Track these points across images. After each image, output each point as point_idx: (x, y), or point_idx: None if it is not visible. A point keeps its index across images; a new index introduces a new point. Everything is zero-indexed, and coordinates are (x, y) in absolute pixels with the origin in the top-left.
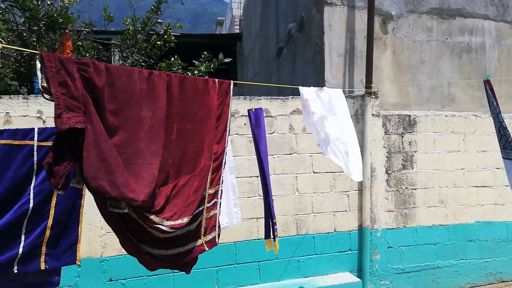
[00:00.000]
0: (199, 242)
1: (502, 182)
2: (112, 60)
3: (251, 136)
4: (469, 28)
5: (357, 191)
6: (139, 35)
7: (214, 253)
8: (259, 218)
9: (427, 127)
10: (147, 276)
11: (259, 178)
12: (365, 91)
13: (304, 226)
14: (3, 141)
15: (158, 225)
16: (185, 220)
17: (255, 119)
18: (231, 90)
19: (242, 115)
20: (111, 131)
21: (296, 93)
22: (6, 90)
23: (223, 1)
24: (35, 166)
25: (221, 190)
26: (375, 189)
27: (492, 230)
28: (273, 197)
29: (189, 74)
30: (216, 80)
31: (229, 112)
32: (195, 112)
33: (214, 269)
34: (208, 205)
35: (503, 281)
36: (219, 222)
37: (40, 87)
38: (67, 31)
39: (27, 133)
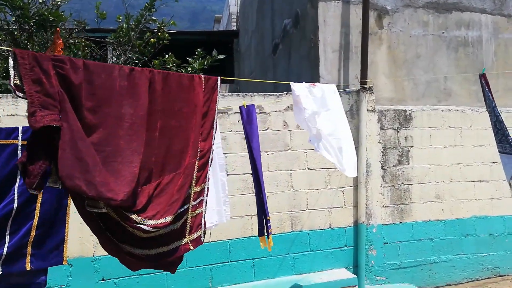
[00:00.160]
0: (184, 241)
1: (499, 176)
2: (107, 58)
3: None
4: (465, 22)
5: (352, 187)
6: (133, 33)
7: (208, 251)
8: (253, 215)
9: (423, 122)
10: (140, 275)
11: None
12: (360, 86)
13: (299, 222)
14: None
15: (139, 225)
16: (168, 219)
17: (247, 115)
18: (219, 87)
19: (235, 112)
20: (89, 129)
21: (291, 89)
22: None
23: None
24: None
25: (207, 188)
26: (371, 184)
27: (489, 225)
28: (268, 194)
29: (183, 71)
30: (202, 76)
31: (216, 109)
32: (180, 108)
33: (208, 267)
34: (194, 203)
35: (500, 276)
36: (205, 221)
37: (12, 84)
38: (58, 29)
39: (11, 132)
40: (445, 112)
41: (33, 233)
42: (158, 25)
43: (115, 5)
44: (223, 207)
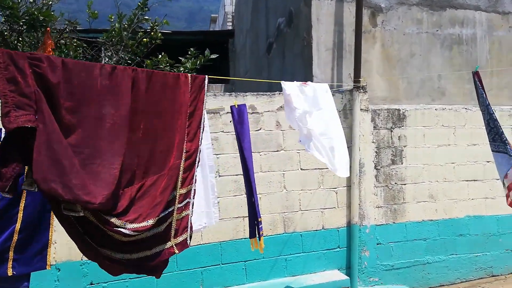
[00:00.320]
0: (169, 244)
1: (492, 175)
2: (99, 58)
3: None
4: (459, 19)
5: (345, 187)
6: (125, 33)
7: (199, 253)
8: (245, 217)
9: (416, 121)
10: (130, 278)
11: None
12: (354, 85)
13: (292, 224)
14: None
15: (119, 228)
16: (150, 222)
17: (238, 115)
18: (206, 86)
19: (227, 112)
20: (67, 130)
21: None
22: None
23: None
24: None
25: (194, 189)
26: (364, 185)
27: (483, 225)
28: (260, 195)
29: (175, 71)
30: (189, 75)
31: (204, 108)
32: (165, 108)
33: (199, 269)
34: (179, 205)
35: (493, 276)
36: (191, 223)
37: None
38: (48, 29)
39: None
40: (439, 111)
41: (15, 237)
42: (151, 25)
43: (112, 5)
44: (212, 208)
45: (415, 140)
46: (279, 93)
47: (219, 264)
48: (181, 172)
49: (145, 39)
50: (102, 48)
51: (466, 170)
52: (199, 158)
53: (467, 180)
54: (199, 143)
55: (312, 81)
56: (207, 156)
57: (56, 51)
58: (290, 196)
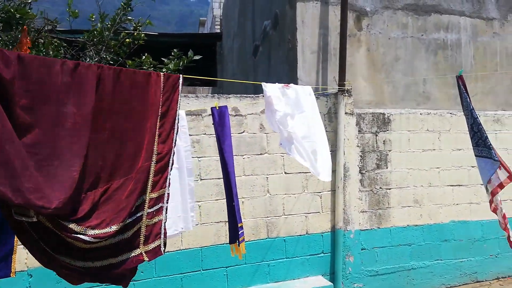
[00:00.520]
0: (137, 251)
1: (477, 180)
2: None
3: None
4: (444, 24)
5: (330, 192)
6: (107, 33)
7: (179, 259)
8: (227, 221)
9: (401, 125)
10: (106, 285)
11: None
12: (338, 89)
13: (275, 228)
14: None
15: (79, 235)
16: (114, 228)
17: (219, 117)
18: (180, 85)
19: (209, 114)
20: (22, 129)
21: None
22: None
23: (208, 2)
24: None
25: (168, 193)
26: (349, 189)
27: (467, 230)
28: (243, 199)
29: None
30: (161, 73)
31: (178, 109)
32: (133, 108)
33: (179, 276)
34: (150, 210)
35: (478, 281)
36: (165, 229)
37: None
38: (25, 27)
39: None
40: (424, 116)
41: None
42: (134, 25)
43: (101, 5)
44: (190, 213)
45: (400, 145)
46: (263, 96)
47: (199, 270)
48: (151, 175)
49: (127, 40)
50: (84, 48)
51: (451, 175)
52: (173, 160)
53: (452, 185)
54: (173, 145)
55: (297, 84)
56: (186, 158)
57: (34, 50)
58: (274, 200)
